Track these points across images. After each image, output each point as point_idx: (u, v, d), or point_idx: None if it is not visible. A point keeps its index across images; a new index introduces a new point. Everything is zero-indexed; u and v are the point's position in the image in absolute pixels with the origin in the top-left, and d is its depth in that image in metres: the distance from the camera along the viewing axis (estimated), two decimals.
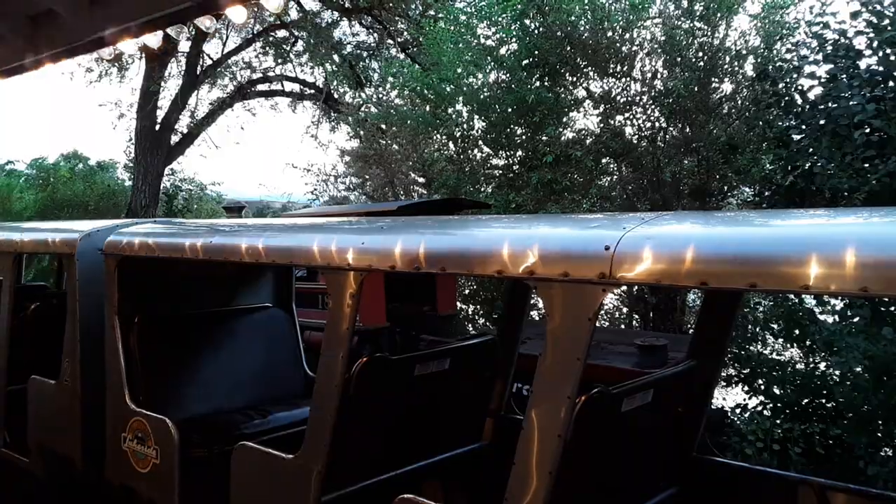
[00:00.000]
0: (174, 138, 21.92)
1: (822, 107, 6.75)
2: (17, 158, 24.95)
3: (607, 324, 10.60)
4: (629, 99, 8.89)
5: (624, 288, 11.62)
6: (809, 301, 7.27)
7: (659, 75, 8.66)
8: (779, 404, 7.22)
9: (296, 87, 22.92)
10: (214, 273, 5.63)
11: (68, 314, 5.20)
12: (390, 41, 19.66)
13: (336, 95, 20.72)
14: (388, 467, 3.73)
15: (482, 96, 10.28)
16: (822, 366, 7.29)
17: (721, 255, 2.14)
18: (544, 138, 9.27)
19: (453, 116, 10.99)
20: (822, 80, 6.85)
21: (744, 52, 8.40)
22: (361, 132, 13.32)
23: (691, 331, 9.24)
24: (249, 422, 4.94)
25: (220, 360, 5.34)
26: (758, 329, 8.60)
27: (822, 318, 7.10)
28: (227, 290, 5.69)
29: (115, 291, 4.69)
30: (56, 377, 5.24)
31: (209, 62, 21.59)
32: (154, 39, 4.26)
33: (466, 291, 12.62)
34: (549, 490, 2.47)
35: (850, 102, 6.20)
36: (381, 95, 15.76)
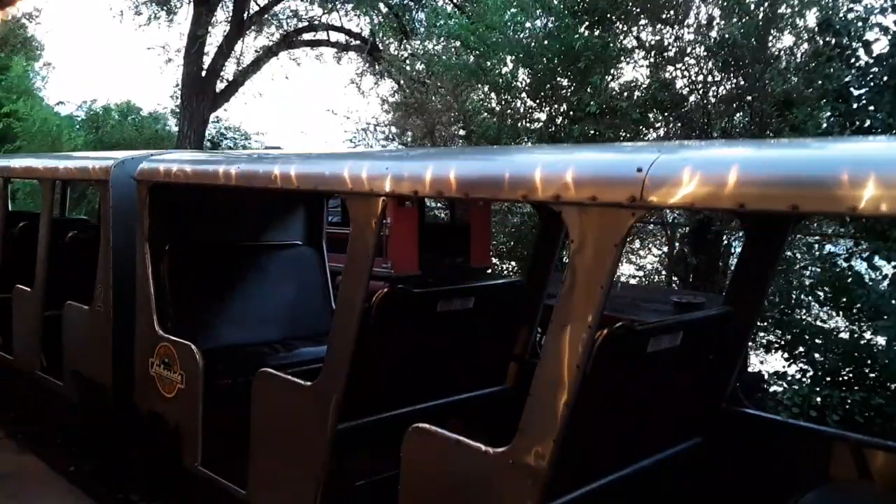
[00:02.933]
0: (220, 85, 22.02)
1: (888, 61, 6.34)
2: (67, 100, 25.45)
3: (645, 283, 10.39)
4: (681, 48, 8.49)
5: (664, 250, 11.35)
6: (859, 266, 6.95)
7: (715, 23, 8.23)
8: (819, 372, 6.98)
9: (341, 38, 22.72)
10: (246, 207, 5.62)
11: (101, 241, 5.26)
12: None
13: (381, 47, 20.45)
14: (408, 402, 3.69)
15: (527, 44, 9.95)
16: (868, 335, 7.00)
17: (761, 176, 1.98)
18: (589, 90, 8.95)
19: (499, 67, 10.70)
20: (890, 31, 6.41)
21: (807, 1, 7.91)
22: (402, 80, 13.10)
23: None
24: (275, 354, 4.97)
25: (248, 293, 5.36)
26: (802, 295, 8.29)
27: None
28: (258, 225, 5.69)
29: (147, 218, 4.71)
30: (89, 303, 5.33)
31: (255, 9, 21.50)
32: None
33: (503, 249, 12.47)
34: (565, 423, 2.38)
35: None
36: (426, 48, 15.49)
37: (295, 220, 5.88)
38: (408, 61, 15.42)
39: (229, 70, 22.30)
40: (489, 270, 10.16)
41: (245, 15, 21.46)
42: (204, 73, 21.41)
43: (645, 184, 2.18)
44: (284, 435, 3.64)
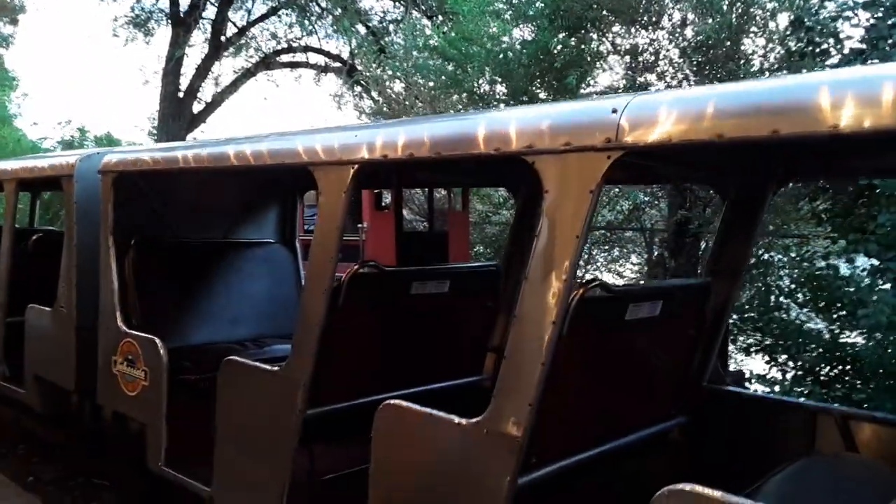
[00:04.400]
0: (197, 106, 21.93)
1: (861, 58, 6.38)
2: (47, 136, 25.18)
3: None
4: (656, 51, 8.54)
5: (644, 257, 11.32)
6: (838, 263, 6.93)
7: (688, 23, 8.29)
8: (799, 371, 6.92)
9: (321, 60, 22.78)
10: (217, 204, 5.47)
11: (65, 239, 5.09)
12: (415, 10, 19.36)
13: (360, 68, 20.51)
14: (379, 389, 3.53)
15: (505, 56, 9.98)
16: (847, 334, 6.97)
17: (739, 106, 1.90)
18: (567, 97, 8.95)
19: (475, 77, 10.71)
20: (864, 27, 6.47)
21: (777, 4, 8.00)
22: (383, 102, 13.09)
23: None
24: (245, 351, 4.79)
25: (217, 291, 5.20)
26: (781, 298, 8.26)
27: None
28: (228, 222, 5.54)
29: (111, 211, 4.54)
30: (52, 304, 5.13)
31: (234, 30, 21.52)
32: None
33: (482, 257, 12.40)
34: (540, 383, 2.25)
35: (888, 47, 5.83)
36: (404, 63, 15.51)
37: (268, 217, 5.74)
38: (388, 81, 15.43)
39: (207, 91, 22.27)
40: None
41: (223, 37, 21.48)
42: (181, 95, 21.34)
43: (620, 124, 2.09)
44: (251, 424, 3.47)
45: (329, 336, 3.14)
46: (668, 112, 2.01)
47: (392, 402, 2.78)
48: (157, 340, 4.10)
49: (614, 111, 2.12)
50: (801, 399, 3.35)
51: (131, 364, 4.29)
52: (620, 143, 2.09)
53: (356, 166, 2.94)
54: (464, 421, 2.51)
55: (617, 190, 10.62)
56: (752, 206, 3.12)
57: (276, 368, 3.32)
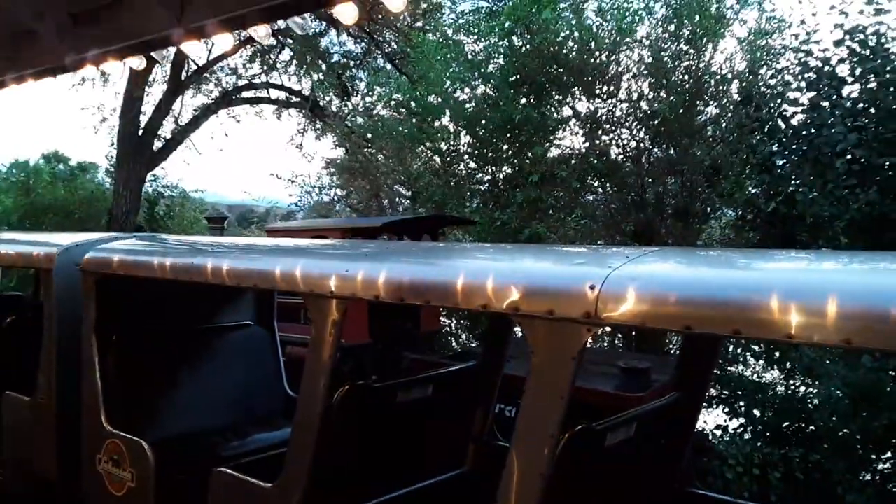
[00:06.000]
0: (157, 144, 21.72)
1: (805, 133, 6.82)
2: None
3: (591, 343, 10.59)
4: (615, 119, 8.94)
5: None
6: None
7: (645, 97, 8.71)
8: (759, 427, 7.25)
9: (282, 95, 22.84)
10: (194, 291, 5.54)
11: (45, 331, 5.10)
12: (377, 52, 19.66)
13: (322, 104, 20.67)
14: (370, 496, 3.68)
15: (469, 111, 10.30)
16: (802, 389, 7.34)
17: (705, 300, 2.13)
18: (530, 155, 9.29)
19: (439, 130, 10.99)
20: (805, 108, 6.92)
21: (729, 76, 8.48)
22: (347, 143, 13.27)
23: (676, 352, 9.27)
24: (228, 444, 4.87)
25: (199, 378, 5.26)
26: (738, 351, 8.65)
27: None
28: (207, 307, 5.61)
29: (93, 308, 4.61)
30: (31, 393, 5.13)
31: (194, 68, 21.46)
32: (137, 62, 4.20)
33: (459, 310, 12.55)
34: None
35: (833, 130, 6.26)
36: (367, 105, 15.75)
37: (245, 299, 5.83)
38: (349, 119, 15.62)
39: (167, 128, 22.08)
40: (439, 333, 10.22)
41: (183, 74, 21.40)
42: (141, 132, 21.12)
43: (598, 301, 2.31)
44: None
45: (321, 452, 3.28)
46: (638, 295, 2.23)
47: None
48: (144, 444, 4.16)
49: (592, 287, 2.34)
50: None
51: (117, 464, 4.34)
52: (598, 318, 2.31)
53: (346, 301, 3.12)
54: None
55: None
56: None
57: (269, 485, 3.44)
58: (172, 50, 4.51)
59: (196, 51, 20.45)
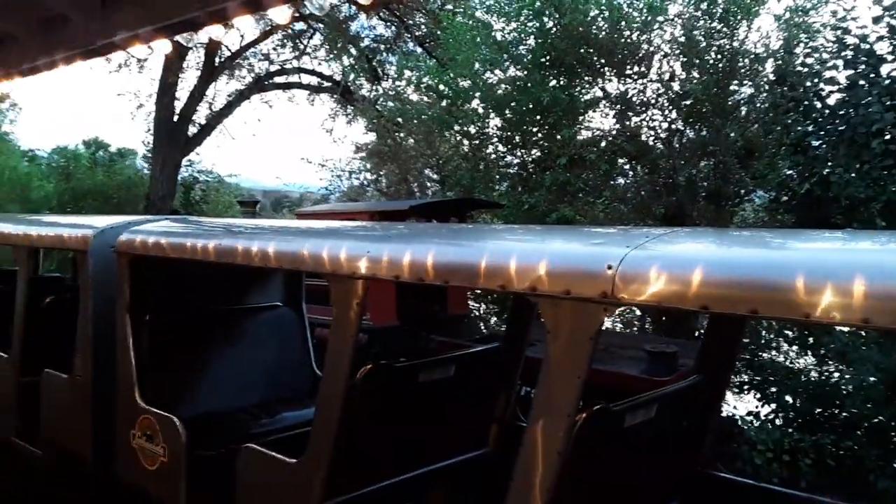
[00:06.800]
0: (192, 129, 22.06)
1: (842, 113, 6.64)
2: (38, 147, 25.31)
3: (620, 327, 10.54)
4: (646, 100, 8.80)
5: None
6: None
7: (676, 77, 8.55)
8: (791, 413, 7.14)
9: (313, 80, 22.99)
10: (225, 272, 5.65)
11: (81, 310, 5.25)
12: (407, 35, 19.63)
13: (352, 88, 20.73)
14: (392, 474, 3.74)
15: (498, 93, 10.23)
16: (836, 375, 7.20)
17: (723, 280, 2.11)
18: (559, 137, 9.21)
19: (468, 114, 10.95)
20: (842, 87, 6.74)
21: (764, 55, 8.27)
22: (377, 128, 13.31)
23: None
24: (257, 421, 4.97)
25: (229, 358, 5.37)
26: (771, 336, 8.51)
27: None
28: (237, 289, 5.72)
29: (127, 289, 4.73)
30: (69, 371, 5.30)
31: (227, 54, 21.69)
32: (164, 45, 4.27)
33: (478, 290, 12.55)
34: None
35: (869, 109, 6.09)
36: (397, 89, 15.76)
37: (274, 281, 5.93)
38: (380, 103, 15.65)
39: (201, 114, 22.40)
40: (468, 316, 10.24)
41: (217, 60, 21.64)
42: (176, 118, 21.46)
43: (615, 281, 2.30)
44: None
45: (344, 429, 3.34)
46: (658, 274, 2.21)
47: None
48: (176, 420, 4.28)
49: (609, 267, 2.33)
50: (791, 490, 3.53)
51: (150, 439, 4.47)
52: (616, 298, 2.30)
53: (369, 281, 3.15)
54: None
55: None
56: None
57: (293, 461, 3.52)
58: (201, 34, 4.57)
59: (228, 37, 20.70)
